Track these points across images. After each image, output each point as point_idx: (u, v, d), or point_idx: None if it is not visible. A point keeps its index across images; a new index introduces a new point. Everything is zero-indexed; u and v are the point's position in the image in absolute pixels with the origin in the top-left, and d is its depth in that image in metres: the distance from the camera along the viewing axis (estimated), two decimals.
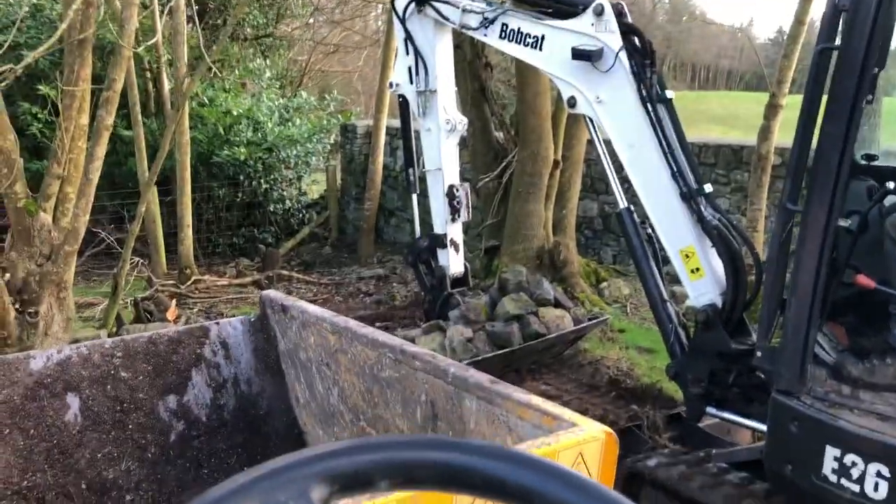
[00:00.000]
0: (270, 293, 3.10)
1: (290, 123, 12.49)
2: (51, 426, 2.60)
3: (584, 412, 6.04)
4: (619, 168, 4.42)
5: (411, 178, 6.54)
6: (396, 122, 12.41)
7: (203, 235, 12.05)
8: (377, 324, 7.50)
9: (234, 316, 8.83)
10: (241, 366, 2.98)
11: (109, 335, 6.75)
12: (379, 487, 0.65)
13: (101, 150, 5.62)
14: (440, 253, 6.56)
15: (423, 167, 6.30)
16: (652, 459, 4.29)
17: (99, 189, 12.38)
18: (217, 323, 3.02)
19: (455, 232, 6.49)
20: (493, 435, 1.96)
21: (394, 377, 2.34)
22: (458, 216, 6.37)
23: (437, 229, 6.46)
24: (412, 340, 5.90)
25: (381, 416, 2.44)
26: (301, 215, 13.08)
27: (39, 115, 10.32)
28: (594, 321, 6.71)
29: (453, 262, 6.53)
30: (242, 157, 11.56)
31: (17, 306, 5.37)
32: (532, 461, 0.64)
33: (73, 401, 2.67)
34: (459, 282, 6.63)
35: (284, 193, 12.78)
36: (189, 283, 9.97)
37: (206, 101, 11.91)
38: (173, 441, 2.77)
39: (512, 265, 8.09)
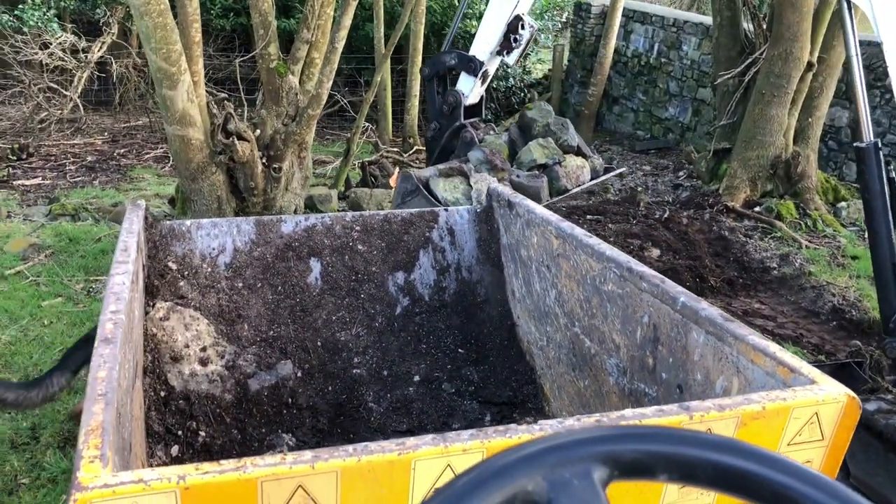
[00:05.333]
0: (498, 187, 3.15)
1: None
2: (295, 286, 2.88)
3: (797, 338, 5.74)
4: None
5: None
6: (634, 3, 11.76)
7: (427, 106, 12.35)
8: (588, 216, 7.45)
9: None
10: (464, 253, 3.10)
11: (339, 196, 7.26)
12: (657, 478, 0.66)
13: (348, 19, 5.82)
14: (464, 78, 5.76)
15: None
16: (871, 403, 4.00)
17: None
18: (446, 209, 3.13)
19: (493, 66, 5.72)
20: (719, 372, 1.92)
21: (616, 293, 2.33)
22: (507, 55, 5.56)
23: (476, 53, 5.67)
24: (426, 182, 5.34)
25: (597, 328, 2.46)
26: (522, 94, 12.98)
27: None
28: (611, 173, 6.00)
29: (474, 92, 5.77)
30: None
31: (264, 160, 5.87)
32: (839, 492, 0.61)
33: (316, 265, 2.93)
34: (471, 111, 5.89)
35: (508, 71, 12.67)
36: (411, 151, 10.37)
37: None
38: (398, 314, 2.97)
39: (741, 169, 7.60)
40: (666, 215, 7.07)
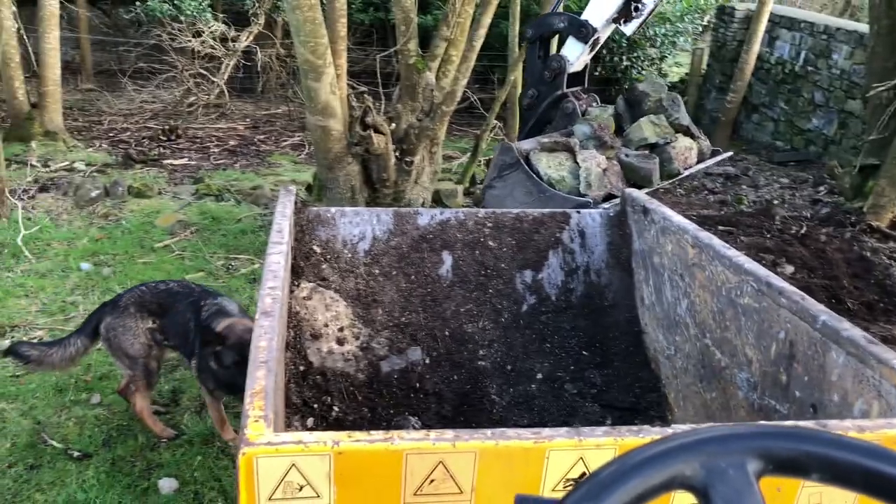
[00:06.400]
0: (633, 192, 3.14)
1: None
2: (427, 276, 2.99)
3: None
4: None
5: None
6: (782, 9, 11.27)
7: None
8: (719, 227, 7.23)
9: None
10: (594, 256, 3.11)
11: (465, 192, 7.37)
12: (810, 477, 0.69)
13: (488, 18, 5.90)
14: (571, 43, 5.23)
15: None
16: None
17: None
18: (578, 212, 3.16)
19: (605, 34, 5.22)
20: (858, 395, 1.86)
21: (752, 306, 2.29)
22: (624, 24, 5.05)
23: (589, 18, 5.14)
24: (527, 156, 4.90)
25: (729, 340, 2.42)
26: None
27: None
28: (718, 157, 5.38)
29: (580, 60, 5.25)
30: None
31: (397, 153, 6.05)
32: None
33: (447, 258, 3.02)
34: (573, 79, 5.36)
35: (643, 72, 12.43)
36: None
37: None
38: (524, 312, 3.03)
39: (889, 187, 7.18)
40: (803, 231, 6.78)
